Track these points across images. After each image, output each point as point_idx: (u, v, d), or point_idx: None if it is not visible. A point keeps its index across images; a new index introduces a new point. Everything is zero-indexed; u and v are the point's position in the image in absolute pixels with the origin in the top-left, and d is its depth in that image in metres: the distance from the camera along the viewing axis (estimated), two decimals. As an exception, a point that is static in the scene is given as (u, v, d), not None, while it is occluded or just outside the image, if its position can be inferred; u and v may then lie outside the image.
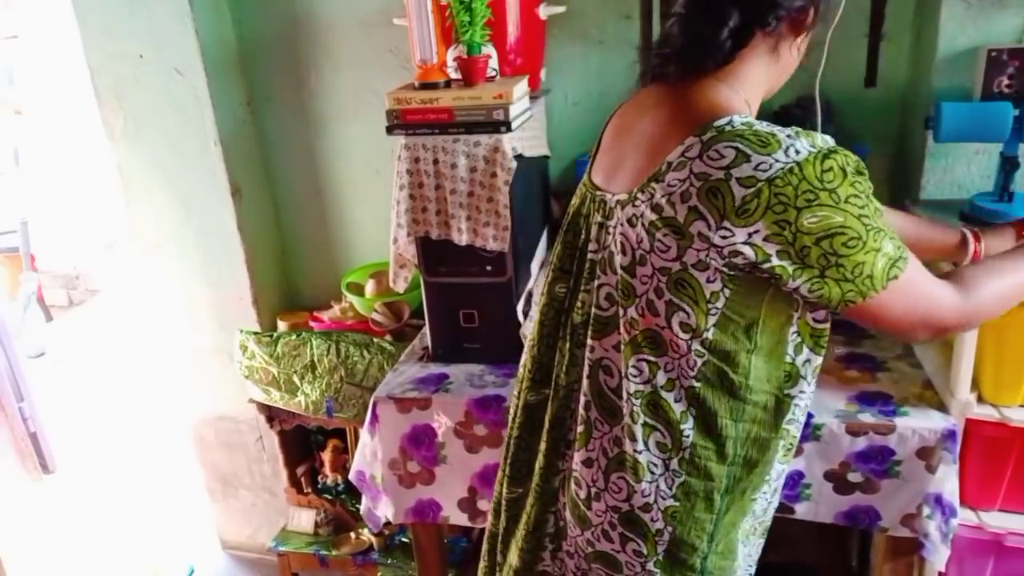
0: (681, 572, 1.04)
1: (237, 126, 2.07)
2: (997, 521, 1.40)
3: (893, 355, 1.57)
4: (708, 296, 0.90)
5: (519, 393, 1.17)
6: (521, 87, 1.55)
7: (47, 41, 4.54)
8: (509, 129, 1.47)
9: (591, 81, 1.94)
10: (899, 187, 1.83)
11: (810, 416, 1.37)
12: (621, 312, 0.97)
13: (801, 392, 1.00)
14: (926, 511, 1.35)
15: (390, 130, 1.50)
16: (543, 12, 1.75)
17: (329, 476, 2.24)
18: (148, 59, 1.97)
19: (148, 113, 2.03)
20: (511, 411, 1.21)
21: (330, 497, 2.25)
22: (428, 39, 1.48)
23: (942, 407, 1.37)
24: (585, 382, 1.03)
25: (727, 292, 0.90)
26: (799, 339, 0.97)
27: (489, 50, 1.54)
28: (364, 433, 1.63)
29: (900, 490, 1.37)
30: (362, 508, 1.69)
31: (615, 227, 0.96)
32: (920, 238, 1.22)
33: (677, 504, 1.01)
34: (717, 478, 1.00)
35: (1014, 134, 1.42)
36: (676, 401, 0.96)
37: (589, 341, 1.02)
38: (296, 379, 1.99)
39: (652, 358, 0.95)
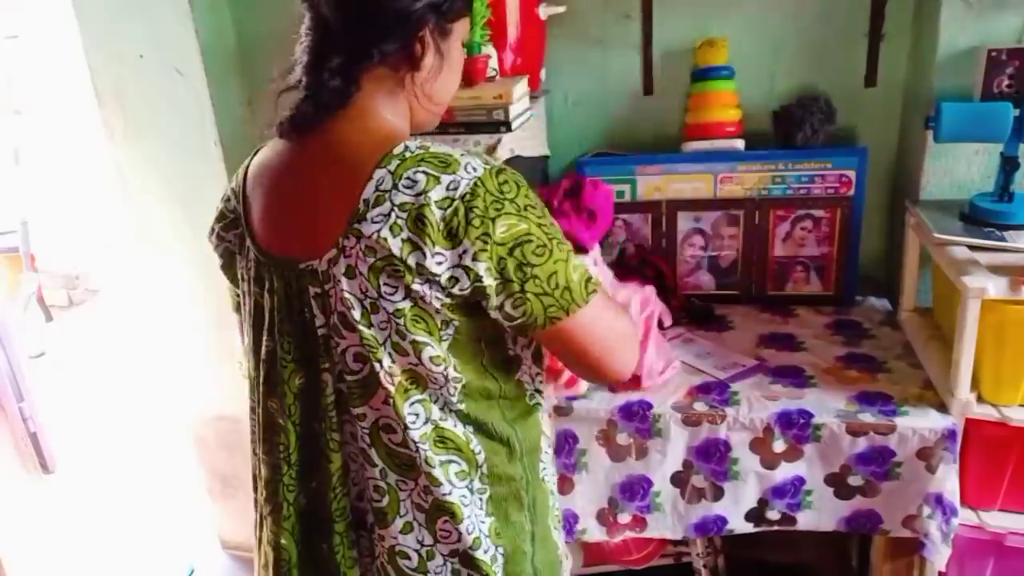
0: None
1: (237, 126, 2.07)
2: (997, 521, 1.40)
3: (893, 355, 1.57)
4: (440, 326, 0.89)
5: (278, 506, 1.02)
6: (521, 87, 1.55)
7: (47, 41, 4.54)
8: (509, 129, 1.47)
9: (591, 81, 1.94)
10: (899, 187, 1.83)
11: (810, 416, 1.38)
12: (377, 366, 0.90)
13: (527, 368, 1.01)
14: (927, 511, 1.35)
15: (390, 130, 1.50)
16: (543, 12, 1.75)
17: (329, 476, 2.24)
18: (148, 59, 1.96)
19: (148, 113, 2.03)
20: (267, 529, 1.05)
21: (330, 497, 2.25)
22: (428, 39, 1.48)
23: (942, 407, 1.37)
24: (371, 452, 0.95)
25: (456, 322, 0.90)
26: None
27: (489, 50, 1.54)
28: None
29: (901, 492, 1.37)
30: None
31: (334, 287, 0.89)
32: None
33: (494, 520, 0.99)
34: (516, 475, 1.01)
35: (1014, 134, 1.42)
36: (455, 426, 0.95)
37: (356, 410, 0.93)
38: (296, 379, 1.99)
39: (421, 396, 0.92)
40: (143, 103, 2.02)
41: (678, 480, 1.46)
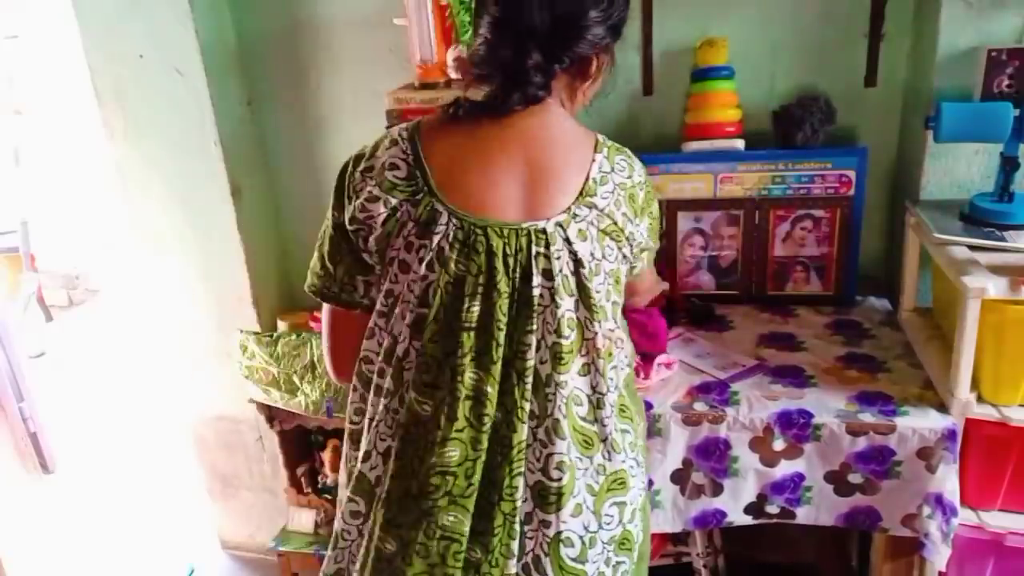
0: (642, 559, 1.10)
1: (237, 126, 2.07)
2: (997, 521, 1.40)
3: (893, 355, 1.57)
4: (623, 285, 1.06)
5: (470, 489, 0.96)
6: (521, 87, 1.55)
7: (47, 41, 4.55)
8: (509, 129, 1.47)
9: (591, 81, 1.94)
10: (899, 187, 1.83)
11: (810, 416, 1.38)
12: (592, 329, 0.98)
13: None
14: (926, 511, 1.35)
15: (390, 130, 1.50)
16: (543, 12, 1.75)
17: (329, 476, 2.24)
18: (148, 59, 1.97)
19: (148, 113, 2.03)
20: (428, 523, 0.97)
21: (330, 497, 2.25)
22: (428, 39, 1.48)
23: (942, 407, 1.37)
24: (563, 424, 0.96)
25: (625, 279, 1.07)
26: None
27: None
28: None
29: (900, 490, 1.37)
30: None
31: (561, 249, 0.96)
32: None
33: (645, 495, 1.09)
34: (646, 446, 1.17)
35: (1014, 134, 1.42)
36: (626, 396, 1.06)
37: (560, 377, 0.96)
38: (296, 379, 1.99)
39: (614, 362, 1.02)
40: (143, 103, 2.02)
41: (678, 477, 1.46)
